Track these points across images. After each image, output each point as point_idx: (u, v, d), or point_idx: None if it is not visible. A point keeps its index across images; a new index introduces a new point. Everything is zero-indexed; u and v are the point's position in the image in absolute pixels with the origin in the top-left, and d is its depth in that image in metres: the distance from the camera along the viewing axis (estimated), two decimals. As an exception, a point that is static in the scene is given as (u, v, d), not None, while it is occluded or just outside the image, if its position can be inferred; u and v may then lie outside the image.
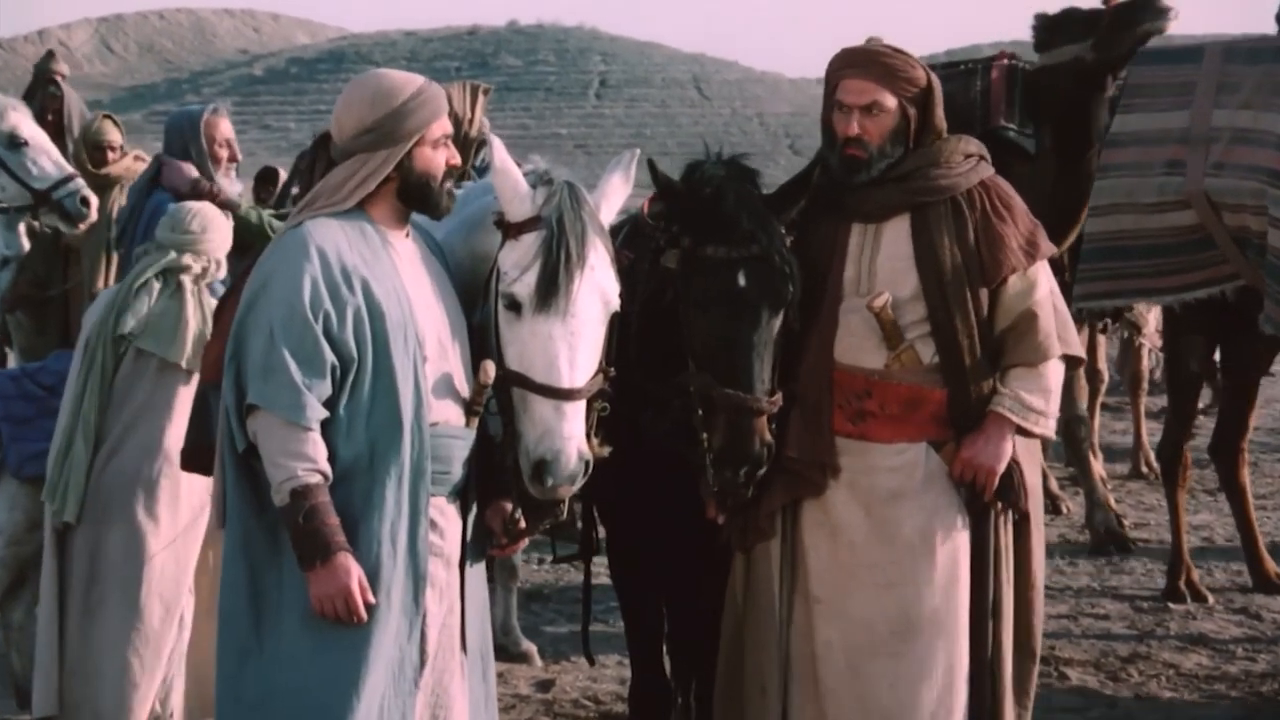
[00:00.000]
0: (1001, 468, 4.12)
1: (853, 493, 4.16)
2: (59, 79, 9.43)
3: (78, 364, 4.85)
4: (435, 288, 3.76)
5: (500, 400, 3.76)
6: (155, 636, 4.76)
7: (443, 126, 3.75)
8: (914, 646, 4.12)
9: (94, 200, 7.01)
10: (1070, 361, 4.25)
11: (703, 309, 4.06)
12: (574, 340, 3.70)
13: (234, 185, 6.19)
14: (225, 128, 6.04)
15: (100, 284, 6.92)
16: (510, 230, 3.78)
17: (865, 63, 4.20)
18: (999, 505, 4.16)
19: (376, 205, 3.73)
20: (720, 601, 4.43)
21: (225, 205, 5.72)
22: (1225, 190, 5.98)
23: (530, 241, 3.73)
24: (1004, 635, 4.19)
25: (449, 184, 3.77)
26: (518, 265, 3.73)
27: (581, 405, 3.71)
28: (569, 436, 3.65)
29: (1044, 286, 4.17)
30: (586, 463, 3.69)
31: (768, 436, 4.03)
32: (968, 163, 4.23)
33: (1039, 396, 4.13)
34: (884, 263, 4.15)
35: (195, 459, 4.11)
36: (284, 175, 8.98)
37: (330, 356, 3.54)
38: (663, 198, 4.25)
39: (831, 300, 4.16)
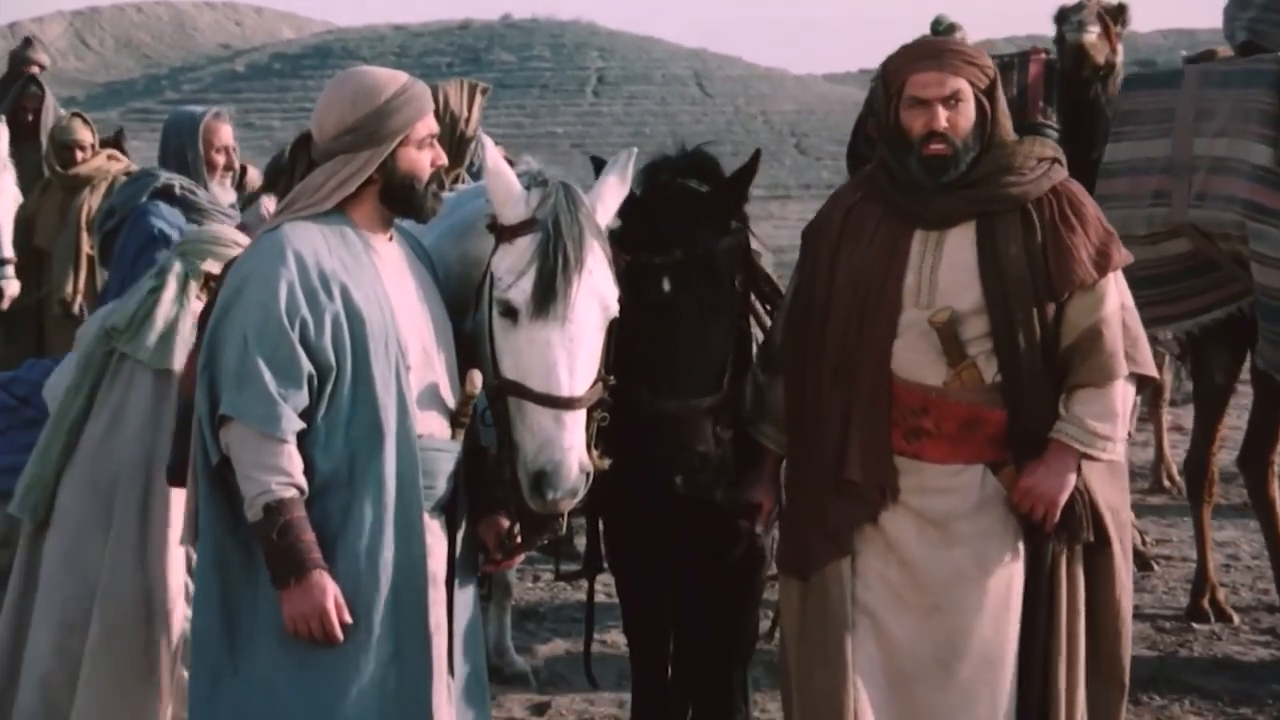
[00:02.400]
0: (1063, 499, 3.96)
1: (906, 512, 4.03)
2: (38, 70, 9.16)
3: (75, 364, 4.75)
4: (420, 294, 3.67)
5: (496, 411, 3.68)
6: (140, 655, 4.57)
7: (428, 126, 3.67)
8: (960, 678, 3.99)
9: (10, 292, 7.13)
10: (1142, 382, 4.09)
11: (632, 317, 3.94)
12: (573, 347, 3.62)
13: (228, 194, 6.08)
14: (225, 133, 5.88)
15: (69, 289, 6.82)
16: (504, 234, 3.69)
17: (937, 54, 4.07)
18: (1059, 536, 4.01)
19: (358, 208, 3.64)
20: (728, 620, 4.41)
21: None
22: (1209, 221, 6.03)
23: (525, 245, 3.65)
24: (1058, 669, 4.02)
25: (434, 186, 3.69)
26: (512, 270, 3.65)
27: (581, 415, 3.64)
28: (569, 447, 3.57)
29: (1113, 300, 4.00)
30: (587, 474, 3.63)
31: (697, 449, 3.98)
32: (1041, 167, 4.06)
33: (1104, 421, 3.96)
34: (946, 273, 3.99)
35: (183, 474, 3.96)
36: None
37: (307, 365, 3.46)
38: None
39: (890, 309, 4.00)
